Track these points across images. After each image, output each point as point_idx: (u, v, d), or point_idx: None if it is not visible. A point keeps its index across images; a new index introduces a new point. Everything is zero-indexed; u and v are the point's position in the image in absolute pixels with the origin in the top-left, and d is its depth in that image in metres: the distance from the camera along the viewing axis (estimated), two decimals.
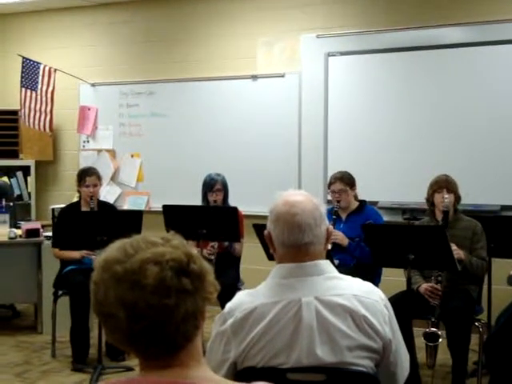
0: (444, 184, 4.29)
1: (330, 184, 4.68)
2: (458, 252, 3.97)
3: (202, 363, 1.29)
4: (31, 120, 6.86)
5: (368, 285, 1.96)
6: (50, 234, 5.44)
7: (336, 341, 1.83)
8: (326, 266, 1.94)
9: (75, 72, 6.95)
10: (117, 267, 1.22)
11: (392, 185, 5.75)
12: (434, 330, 3.82)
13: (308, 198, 1.97)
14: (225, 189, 5.05)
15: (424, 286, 4.10)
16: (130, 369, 4.59)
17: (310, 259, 1.91)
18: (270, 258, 2.66)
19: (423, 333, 3.83)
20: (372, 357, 1.88)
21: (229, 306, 1.94)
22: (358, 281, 1.96)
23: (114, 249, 1.28)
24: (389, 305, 1.95)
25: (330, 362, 1.83)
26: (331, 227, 2.02)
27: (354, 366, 1.85)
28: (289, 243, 1.91)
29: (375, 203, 5.47)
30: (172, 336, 1.22)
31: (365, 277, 2.07)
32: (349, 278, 1.96)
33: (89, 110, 7.06)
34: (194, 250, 1.30)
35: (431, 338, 3.79)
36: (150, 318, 1.19)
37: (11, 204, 6.01)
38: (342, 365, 1.84)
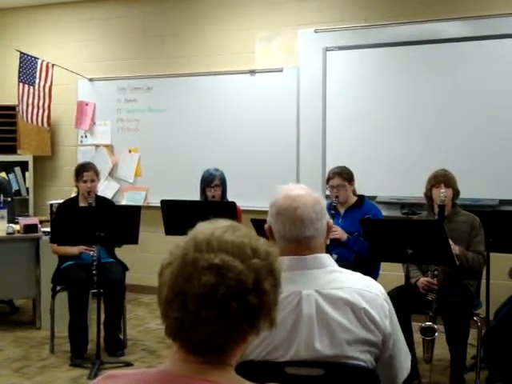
0: (442, 179, 4.29)
1: (329, 179, 4.68)
2: (453, 247, 3.98)
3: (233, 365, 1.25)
4: (29, 115, 6.84)
5: (368, 279, 1.96)
6: (48, 229, 5.42)
7: (335, 334, 1.83)
8: (327, 259, 1.93)
9: (73, 67, 6.94)
10: (190, 252, 1.20)
11: (391, 179, 5.75)
12: (430, 324, 3.82)
13: (309, 192, 1.97)
14: (223, 184, 5.05)
15: (421, 281, 4.12)
16: (128, 364, 4.59)
17: (311, 253, 1.91)
18: None
19: (419, 327, 3.83)
20: (371, 351, 1.87)
21: None
22: (358, 275, 1.96)
23: (210, 229, 1.24)
24: (389, 299, 1.95)
25: (329, 355, 1.82)
26: (331, 221, 2.02)
27: (353, 359, 1.84)
28: (290, 237, 1.91)
29: (374, 198, 5.48)
30: (207, 339, 1.18)
31: (363, 271, 2.07)
32: (349, 271, 1.96)
33: (87, 105, 7.05)
34: (277, 279, 1.24)
35: (427, 332, 3.79)
36: (190, 313, 1.17)
37: (9, 199, 6.00)
38: (341, 358, 1.83)
